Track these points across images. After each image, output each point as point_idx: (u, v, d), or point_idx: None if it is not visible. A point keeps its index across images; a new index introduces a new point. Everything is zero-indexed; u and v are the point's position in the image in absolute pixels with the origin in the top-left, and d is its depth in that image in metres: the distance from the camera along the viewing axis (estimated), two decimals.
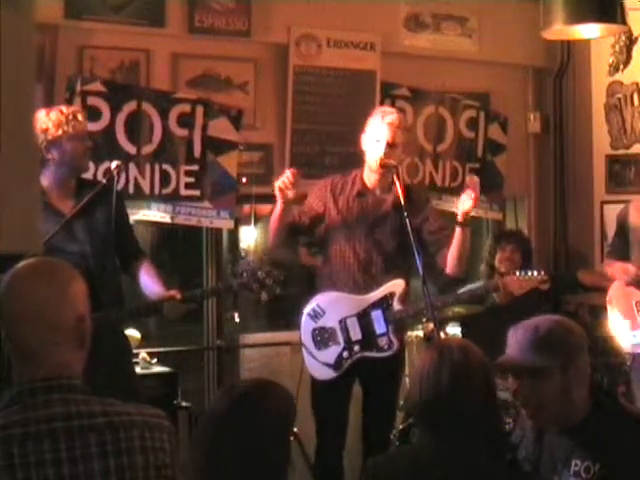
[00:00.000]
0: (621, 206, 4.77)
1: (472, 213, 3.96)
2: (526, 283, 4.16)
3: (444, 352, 2.39)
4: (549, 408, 2.41)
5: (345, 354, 3.95)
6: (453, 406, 2.31)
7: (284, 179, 3.74)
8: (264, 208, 5.39)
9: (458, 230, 3.91)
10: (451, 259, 3.95)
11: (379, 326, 3.97)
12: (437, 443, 2.33)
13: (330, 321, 3.98)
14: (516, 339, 2.45)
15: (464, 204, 3.86)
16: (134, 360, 4.21)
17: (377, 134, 3.92)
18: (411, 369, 5.32)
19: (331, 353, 3.96)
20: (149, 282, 3.72)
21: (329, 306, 3.99)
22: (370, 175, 4.04)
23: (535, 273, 4.19)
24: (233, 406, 2.04)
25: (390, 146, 3.91)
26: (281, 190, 3.76)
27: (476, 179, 4.07)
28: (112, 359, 3.45)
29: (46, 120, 3.53)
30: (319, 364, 3.96)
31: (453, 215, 5.59)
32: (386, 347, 3.97)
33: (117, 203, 3.65)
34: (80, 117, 3.63)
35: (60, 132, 3.54)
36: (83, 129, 3.65)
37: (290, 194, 3.75)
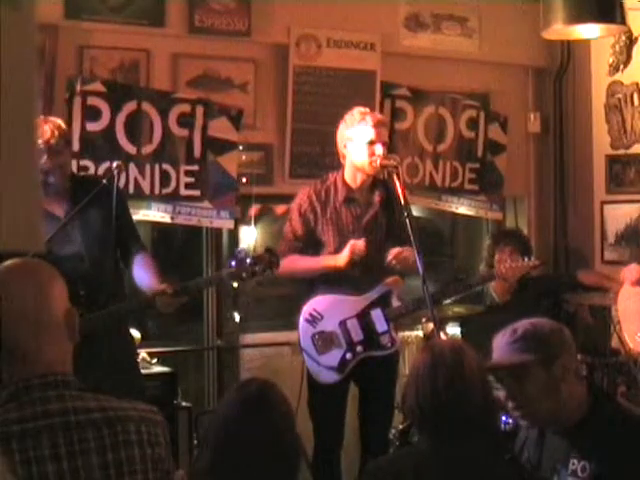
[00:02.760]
0: (622, 206, 4.77)
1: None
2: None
3: (437, 355, 2.39)
4: (538, 406, 2.41)
5: (348, 356, 3.95)
6: (451, 408, 2.31)
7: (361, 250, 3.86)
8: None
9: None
10: None
11: (380, 325, 3.97)
12: (438, 445, 2.33)
13: (329, 325, 3.97)
14: (496, 344, 2.47)
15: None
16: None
17: (368, 136, 3.92)
18: (410, 368, 5.33)
19: (334, 356, 3.95)
20: (142, 275, 3.65)
21: (326, 310, 3.98)
22: (356, 176, 4.03)
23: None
24: (245, 405, 2.04)
25: (384, 145, 3.93)
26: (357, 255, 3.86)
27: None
28: (112, 359, 3.44)
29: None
30: (322, 368, 3.95)
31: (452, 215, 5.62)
32: (389, 345, 3.98)
33: (117, 200, 3.61)
34: (46, 132, 3.45)
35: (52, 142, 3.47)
36: (47, 144, 3.45)
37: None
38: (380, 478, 2.38)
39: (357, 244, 3.87)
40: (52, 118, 3.64)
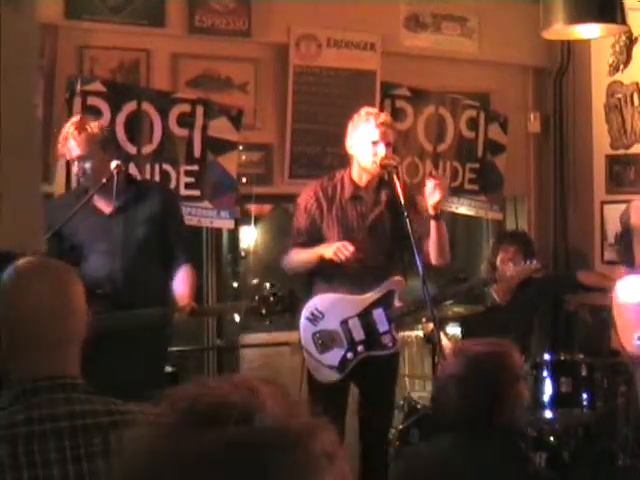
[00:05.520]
0: (622, 206, 4.77)
1: (442, 205, 3.96)
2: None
3: (472, 360, 2.40)
4: None
5: (349, 355, 3.95)
6: (487, 415, 2.34)
7: (347, 252, 3.82)
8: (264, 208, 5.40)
9: (432, 223, 3.93)
10: (432, 251, 3.97)
11: (382, 324, 3.97)
12: (470, 449, 2.34)
13: (331, 324, 3.97)
14: None
15: (431, 197, 3.87)
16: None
17: (372, 135, 3.92)
18: (410, 369, 5.33)
19: (335, 355, 3.95)
20: (177, 288, 3.71)
21: (328, 309, 3.98)
22: (362, 176, 4.03)
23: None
24: None
25: (388, 145, 3.93)
26: (342, 255, 3.83)
27: (439, 175, 4.06)
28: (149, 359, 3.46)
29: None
30: (323, 367, 3.95)
31: (452, 215, 5.62)
32: (390, 345, 3.98)
33: (165, 205, 3.73)
34: (70, 139, 3.61)
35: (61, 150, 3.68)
36: (70, 153, 3.64)
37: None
38: (416, 466, 2.41)
39: (345, 245, 3.85)
40: (89, 120, 3.76)
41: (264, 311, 3.63)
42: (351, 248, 3.83)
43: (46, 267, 1.88)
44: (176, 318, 3.61)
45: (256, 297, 3.68)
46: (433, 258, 3.99)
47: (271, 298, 3.63)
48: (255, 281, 3.88)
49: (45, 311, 1.81)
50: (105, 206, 3.70)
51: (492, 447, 2.34)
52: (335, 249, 3.85)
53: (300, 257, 4.03)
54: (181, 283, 3.72)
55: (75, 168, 3.69)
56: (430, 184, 3.88)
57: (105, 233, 3.65)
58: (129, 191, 3.72)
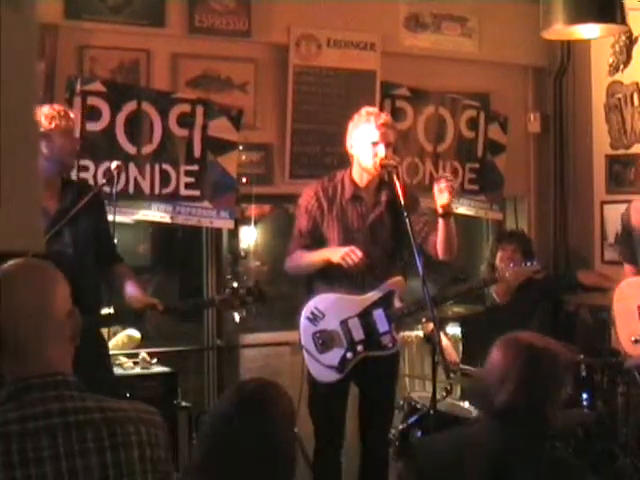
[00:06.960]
0: (621, 206, 4.77)
1: (451, 204, 3.95)
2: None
3: (529, 352, 2.44)
4: None
5: (349, 355, 3.95)
6: (536, 407, 2.38)
7: (355, 258, 3.83)
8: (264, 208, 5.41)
9: (440, 222, 3.93)
10: (440, 246, 3.98)
11: (382, 325, 3.97)
12: (514, 441, 2.39)
13: (331, 324, 3.97)
14: None
15: (440, 198, 3.87)
16: (115, 361, 4.23)
17: (372, 136, 3.92)
18: (410, 369, 5.33)
19: (334, 355, 3.95)
20: (131, 287, 3.71)
21: (328, 308, 3.98)
22: (362, 176, 4.03)
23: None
24: (242, 405, 2.04)
25: (388, 146, 3.93)
26: (350, 261, 3.84)
27: (450, 176, 4.08)
28: (89, 362, 3.42)
29: (38, 114, 3.53)
30: (323, 367, 3.95)
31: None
32: (390, 345, 3.98)
33: (99, 205, 3.70)
34: (71, 115, 3.65)
35: (52, 126, 3.55)
36: (73, 127, 3.65)
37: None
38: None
39: (354, 251, 3.86)
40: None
41: (237, 303, 3.77)
42: (359, 254, 3.84)
43: (30, 268, 1.89)
44: (148, 316, 3.61)
45: (226, 291, 3.82)
46: (440, 253, 4.00)
47: (240, 290, 3.77)
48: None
49: (29, 311, 1.82)
50: (49, 204, 3.58)
51: (526, 438, 2.38)
52: (343, 254, 3.85)
53: (305, 260, 4.03)
54: (131, 282, 3.73)
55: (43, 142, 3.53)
56: (440, 185, 3.88)
57: (56, 236, 3.54)
58: (70, 191, 3.65)
